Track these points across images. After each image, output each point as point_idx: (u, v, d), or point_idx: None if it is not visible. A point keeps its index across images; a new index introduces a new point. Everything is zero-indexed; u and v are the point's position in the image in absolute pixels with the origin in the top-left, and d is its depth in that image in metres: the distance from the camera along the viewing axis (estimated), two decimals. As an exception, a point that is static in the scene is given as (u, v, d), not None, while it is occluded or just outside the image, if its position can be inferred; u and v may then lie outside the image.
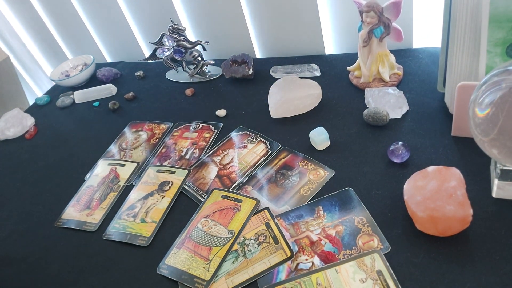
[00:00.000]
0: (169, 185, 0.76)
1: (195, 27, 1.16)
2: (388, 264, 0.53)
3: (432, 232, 0.54)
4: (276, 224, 0.63)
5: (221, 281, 0.57)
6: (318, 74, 0.96)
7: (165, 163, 0.82)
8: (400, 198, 0.60)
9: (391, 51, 0.86)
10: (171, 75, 1.13)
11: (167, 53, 1.07)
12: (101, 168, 0.85)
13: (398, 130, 0.74)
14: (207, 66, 1.09)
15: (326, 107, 0.85)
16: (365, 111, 0.77)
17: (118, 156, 0.88)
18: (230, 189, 0.72)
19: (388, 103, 0.77)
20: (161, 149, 0.86)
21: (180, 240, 0.65)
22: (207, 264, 0.60)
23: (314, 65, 0.97)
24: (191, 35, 1.17)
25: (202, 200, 0.71)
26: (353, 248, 0.57)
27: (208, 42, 1.05)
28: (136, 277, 0.62)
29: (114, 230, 0.70)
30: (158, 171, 0.80)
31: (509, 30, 0.58)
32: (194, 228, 0.66)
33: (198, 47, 1.07)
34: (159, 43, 1.06)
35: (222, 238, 0.63)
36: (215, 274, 0.58)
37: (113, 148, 0.91)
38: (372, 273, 0.53)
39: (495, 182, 0.57)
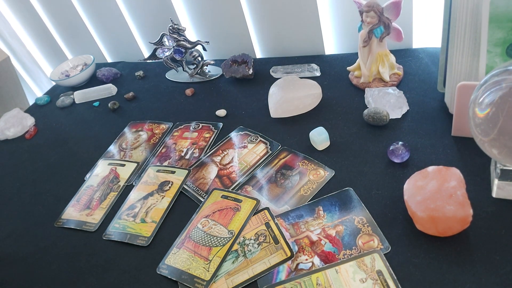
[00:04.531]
0: (169, 185, 0.76)
1: (195, 27, 1.16)
2: (388, 264, 0.53)
3: (432, 232, 0.54)
4: (276, 224, 0.63)
5: (221, 281, 0.57)
6: (318, 74, 0.96)
7: (165, 163, 0.82)
8: (400, 198, 0.60)
9: (391, 51, 0.86)
10: (171, 75, 1.13)
11: (167, 53, 1.07)
12: (101, 168, 0.85)
13: (398, 130, 0.74)
14: (207, 66, 1.09)
15: (326, 107, 0.85)
16: (365, 111, 0.77)
17: (118, 156, 0.88)
18: (230, 189, 0.72)
19: (388, 103, 0.77)
20: (161, 149, 0.86)
21: (180, 240, 0.65)
22: (207, 264, 0.60)
23: (314, 65, 0.97)
24: (191, 35, 1.17)
25: (202, 200, 0.71)
26: (353, 248, 0.57)
27: (208, 42, 1.05)
28: (136, 277, 0.62)
29: (114, 230, 0.70)
30: (158, 171, 0.80)
31: (509, 30, 0.58)
32: (194, 228, 0.66)
33: (198, 47, 1.07)
34: (159, 43, 1.06)
35: (222, 238, 0.63)
36: (215, 274, 0.58)
37: (113, 148, 0.91)
38: (372, 273, 0.53)
39: (495, 182, 0.57)
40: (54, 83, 1.30)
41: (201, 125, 0.90)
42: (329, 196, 0.66)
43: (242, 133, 0.84)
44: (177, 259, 0.62)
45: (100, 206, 0.76)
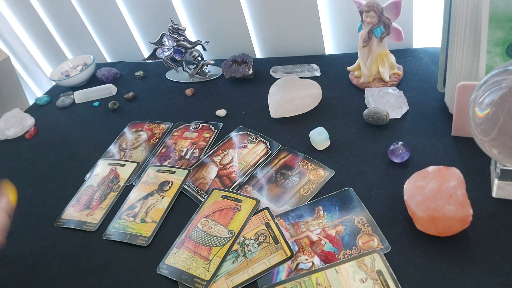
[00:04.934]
0: (169, 185, 0.76)
1: (195, 27, 1.16)
2: (388, 264, 0.53)
3: (432, 232, 0.54)
4: (276, 224, 0.63)
5: (221, 281, 0.57)
6: (318, 74, 0.96)
7: (165, 163, 0.82)
8: (400, 198, 0.60)
9: (391, 51, 0.86)
10: (171, 75, 1.13)
11: (167, 53, 1.07)
12: (101, 168, 0.85)
13: (398, 130, 0.74)
14: (207, 66, 1.09)
15: (326, 107, 0.85)
16: (365, 111, 0.77)
17: (118, 156, 0.88)
18: (230, 189, 0.72)
19: (388, 103, 0.77)
20: (161, 149, 0.86)
21: (180, 240, 0.65)
22: (207, 264, 0.60)
23: (314, 65, 0.97)
24: (191, 35, 1.17)
25: (202, 200, 0.71)
26: (353, 248, 0.57)
27: (208, 42, 1.05)
28: (136, 277, 0.62)
29: (114, 230, 0.70)
30: (158, 171, 0.80)
31: (509, 29, 0.58)
32: (194, 228, 0.66)
33: (198, 47, 1.07)
34: (159, 43, 1.06)
35: (222, 238, 0.63)
36: (215, 274, 0.58)
37: (113, 148, 0.91)
38: (372, 273, 0.53)
39: (495, 182, 0.57)
40: (54, 83, 1.30)
41: (201, 125, 0.90)
42: (329, 196, 0.66)
43: (242, 133, 0.84)
44: (177, 259, 0.62)
45: (100, 206, 0.76)
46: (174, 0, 1.11)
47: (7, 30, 1.44)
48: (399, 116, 0.77)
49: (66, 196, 0.81)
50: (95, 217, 0.74)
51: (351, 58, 0.95)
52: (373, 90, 0.81)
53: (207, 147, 0.83)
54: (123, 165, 0.84)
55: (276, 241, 0.60)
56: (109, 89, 1.12)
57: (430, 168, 0.58)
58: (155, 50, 1.08)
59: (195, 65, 1.08)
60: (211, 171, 0.77)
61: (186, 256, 0.62)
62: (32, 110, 1.16)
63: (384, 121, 0.75)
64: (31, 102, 1.27)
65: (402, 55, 0.93)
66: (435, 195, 0.54)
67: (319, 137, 0.74)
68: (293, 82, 0.86)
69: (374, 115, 0.75)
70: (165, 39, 1.06)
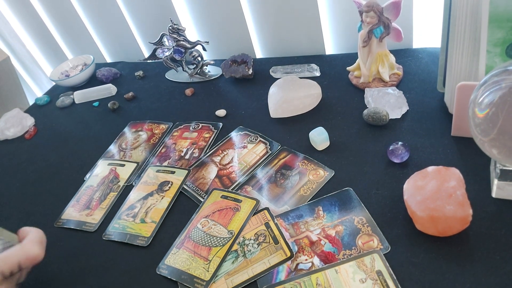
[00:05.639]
0: (169, 185, 0.76)
1: (195, 27, 1.16)
2: (388, 264, 0.53)
3: (432, 232, 0.54)
4: (275, 224, 0.63)
5: (221, 281, 0.57)
6: (318, 74, 0.96)
7: (165, 163, 0.82)
8: (400, 198, 0.60)
9: (391, 51, 0.86)
10: (171, 75, 1.13)
11: (167, 53, 1.07)
12: (101, 168, 0.85)
13: (398, 130, 0.74)
14: (207, 66, 1.09)
15: (326, 107, 0.85)
16: (365, 111, 0.77)
17: (118, 156, 0.88)
18: (230, 189, 0.72)
19: (388, 103, 0.77)
20: (161, 149, 0.86)
21: (179, 240, 0.65)
22: (206, 264, 0.60)
23: (314, 65, 0.97)
24: (191, 35, 1.17)
25: (202, 200, 0.71)
26: (353, 248, 0.57)
27: (208, 42, 1.05)
28: (136, 277, 0.62)
29: (114, 230, 0.70)
30: (157, 171, 0.80)
31: (509, 30, 0.58)
32: (193, 228, 0.66)
33: (198, 47, 1.07)
34: (159, 43, 1.06)
35: (222, 238, 0.63)
36: (214, 274, 0.58)
37: (113, 148, 0.91)
38: (372, 273, 0.53)
39: (495, 182, 0.57)
40: (54, 83, 1.30)
41: (200, 125, 0.90)
42: (329, 196, 0.65)
43: (242, 133, 0.84)
44: (177, 259, 0.62)
45: (100, 206, 0.76)
46: (174, 0, 1.11)
47: (7, 30, 1.44)
48: (399, 116, 0.77)
49: (66, 196, 0.81)
50: (95, 217, 0.74)
51: (351, 58, 0.95)
52: (373, 90, 0.81)
53: (207, 147, 0.83)
54: (123, 165, 0.84)
55: (276, 241, 0.60)
56: (109, 89, 1.12)
57: (430, 168, 0.58)
58: (155, 50, 1.08)
59: (195, 65, 1.08)
60: (211, 171, 0.77)
61: (186, 256, 0.62)
62: (32, 110, 1.16)
63: (384, 121, 0.75)
64: (31, 102, 1.27)
65: (402, 55, 0.93)
66: (435, 195, 0.54)
67: (319, 137, 0.74)
68: (293, 82, 0.86)
69: (374, 115, 0.75)
70: (165, 39, 1.06)
